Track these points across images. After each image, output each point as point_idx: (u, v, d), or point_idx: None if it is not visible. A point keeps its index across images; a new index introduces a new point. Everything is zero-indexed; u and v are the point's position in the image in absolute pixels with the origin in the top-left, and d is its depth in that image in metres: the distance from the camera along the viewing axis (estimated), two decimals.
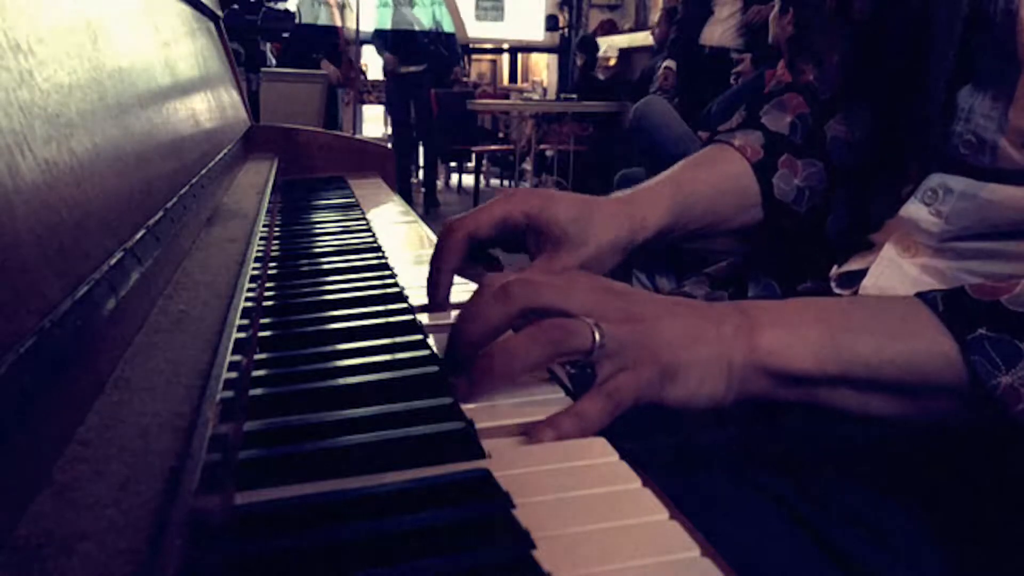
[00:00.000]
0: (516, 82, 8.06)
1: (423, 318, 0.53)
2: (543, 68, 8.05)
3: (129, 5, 0.61)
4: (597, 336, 0.39)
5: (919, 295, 0.42)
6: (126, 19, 0.58)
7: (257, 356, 0.44)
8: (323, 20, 5.25)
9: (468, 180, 6.56)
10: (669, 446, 0.53)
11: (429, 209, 5.34)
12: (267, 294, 0.57)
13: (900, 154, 0.61)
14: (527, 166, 5.66)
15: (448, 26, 5.39)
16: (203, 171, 0.70)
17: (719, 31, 4.26)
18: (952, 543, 0.44)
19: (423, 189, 5.65)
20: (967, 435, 0.44)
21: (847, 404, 0.42)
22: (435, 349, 0.45)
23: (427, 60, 5.23)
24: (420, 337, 0.48)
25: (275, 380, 0.41)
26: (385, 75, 5.38)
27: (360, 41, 5.59)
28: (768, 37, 3.38)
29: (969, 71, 0.54)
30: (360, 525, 0.28)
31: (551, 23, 7.26)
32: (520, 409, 0.39)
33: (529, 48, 8.04)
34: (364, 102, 6.07)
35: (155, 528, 0.23)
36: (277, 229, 0.84)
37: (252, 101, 1.77)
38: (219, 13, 1.25)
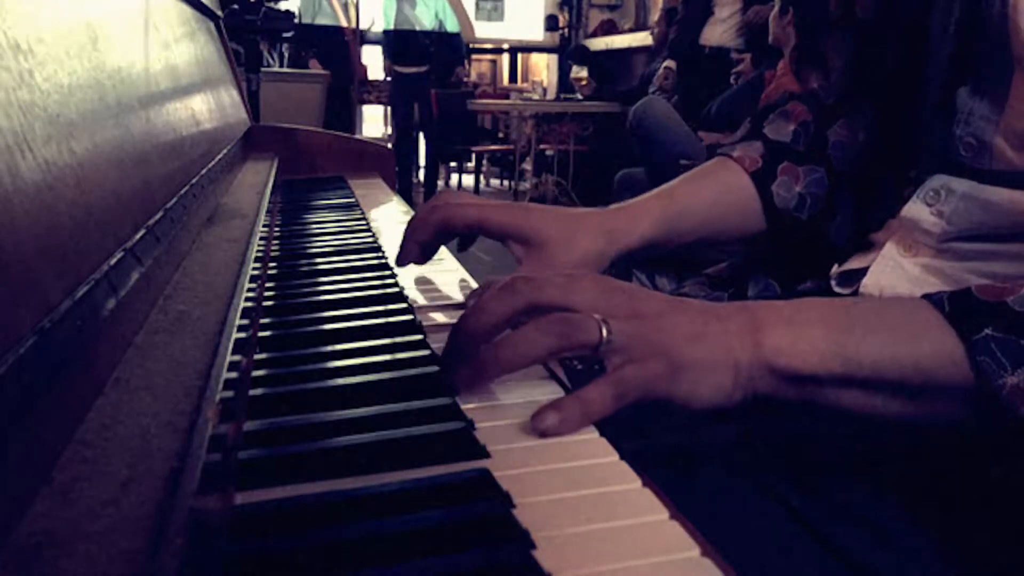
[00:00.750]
0: (516, 82, 8.06)
1: (433, 317, 0.53)
2: (543, 68, 8.05)
3: (129, 5, 0.61)
4: (604, 331, 0.38)
5: (925, 296, 0.42)
6: (126, 19, 0.58)
7: (257, 356, 0.44)
8: (322, 20, 5.25)
9: (468, 180, 6.56)
10: (669, 446, 0.53)
11: None
12: (267, 294, 0.57)
13: (901, 156, 0.61)
14: (527, 166, 5.66)
15: (451, 26, 5.39)
16: (203, 171, 0.70)
17: (719, 31, 4.26)
18: (953, 541, 0.44)
19: (423, 189, 5.65)
20: (968, 433, 0.44)
21: (852, 404, 0.42)
22: (435, 349, 0.45)
23: (429, 61, 5.23)
24: (420, 337, 0.48)
25: (275, 380, 0.41)
26: (386, 75, 5.38)
27: (361, 41, 5.59)
28: (768, 37, 3.38)
29: (965, 73, 0.54)
30: (360, 525, 0.28)
31: (551, 23, 7.26)
32: (520, 409, 0.39)
33: (529, 48, 8.04)
34: (364, 102, 6.06)
35: (155, 528, 0.23)
36: (277, 229, 0.84)
37: (252, 101, 1.77)
38: (219, 13, 1.25)
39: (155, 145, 0.55)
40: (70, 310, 0.29)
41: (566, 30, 7.20)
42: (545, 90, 6.94)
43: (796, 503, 0.48)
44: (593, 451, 0.36)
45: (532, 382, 0.42)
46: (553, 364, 0.44)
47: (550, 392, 0.41)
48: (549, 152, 5.39)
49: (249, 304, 0.46)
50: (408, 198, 5.31)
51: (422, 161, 5.93)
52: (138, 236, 0.42)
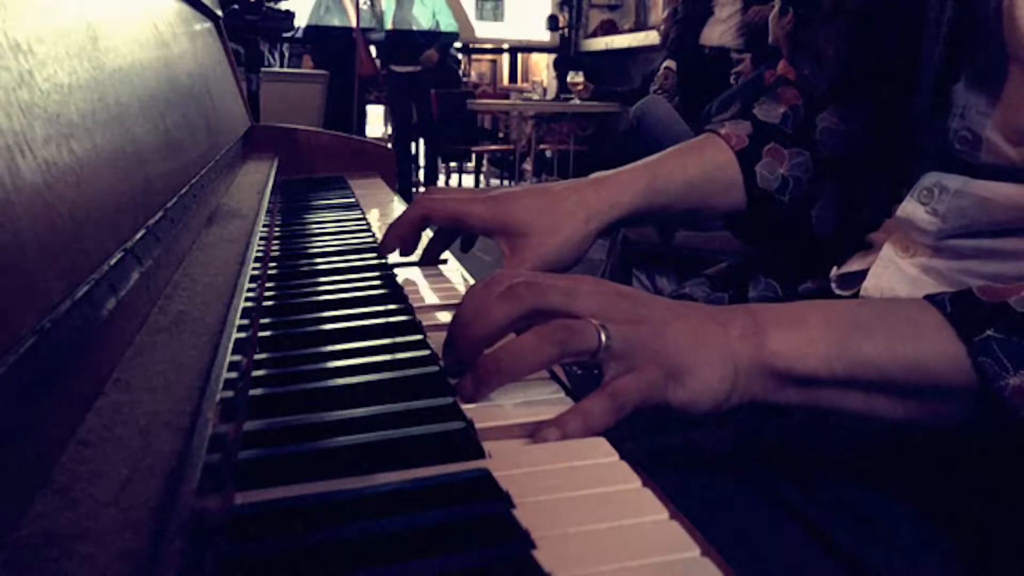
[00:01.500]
0: (516, 82, 8.06)
1: (433, 318, 0.53)
2: (543, 68, 8.05)
3: (129, 5, 0.61)
4: (603, 337, 0.38)
5: (927, 297, 0.42)
6: (126, 19, 0.58)
7: (257, 356, 0.44)
8: (331, 21, 5.24)
9: (468, 180, 6.56)
10: (669, 446, 0.53)
11: None
12: (267, 294, 0.57)
13: (895, 150, 0.61)
14: (527, 166, 5.66)
15: (445, 25, 5.38)
16: (203, 171, 0.70)
17: (719, 31, 4.26)
18: (954, 541, 0.44)
19: (423, 189, 5.65)
20: (969, 433, 0.44)
21: (854, 406, 0.42)
22: (435, 349, 0.45)
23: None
24: (420, 337, 0.48)
25: (275, 380, 0.41)
26: (386, 75, 5.38)
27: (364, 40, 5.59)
28: (768, 37, 3.38)
29: (959, 67, 0.54)
30: (360, 525, 0.28)
31: (552, 23, 7.25)
32: (520, 409, 0.39)
33: (529, 48, 8.04)
34: (367, 102, 6.06)
35: (155, 528, 0.23)
36: (277, 229, 0.84)
37: (252, 101, 1.77)
38: (219, 13, 1.25)
39: (155, 145, 0.55)
40: (70, 310, 0.29)
41: (566, 30, 7.20)
42: (545, 90, 6.94)
43: (796, 503, 0.48)
44: (593, 451, 0.36)
45: (532, 382, 0.42)
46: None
47: (550, 392, 0.41)
48: (549, 152, 5.39)
49: (249, 304, 0.46)
50: (408, 198, 5.31)
51: (421, 161, 5.92)
52: (138, 236, 0.42)
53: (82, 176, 0.36)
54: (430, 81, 5.31)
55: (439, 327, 0.51)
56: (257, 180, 0.93)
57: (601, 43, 6.67)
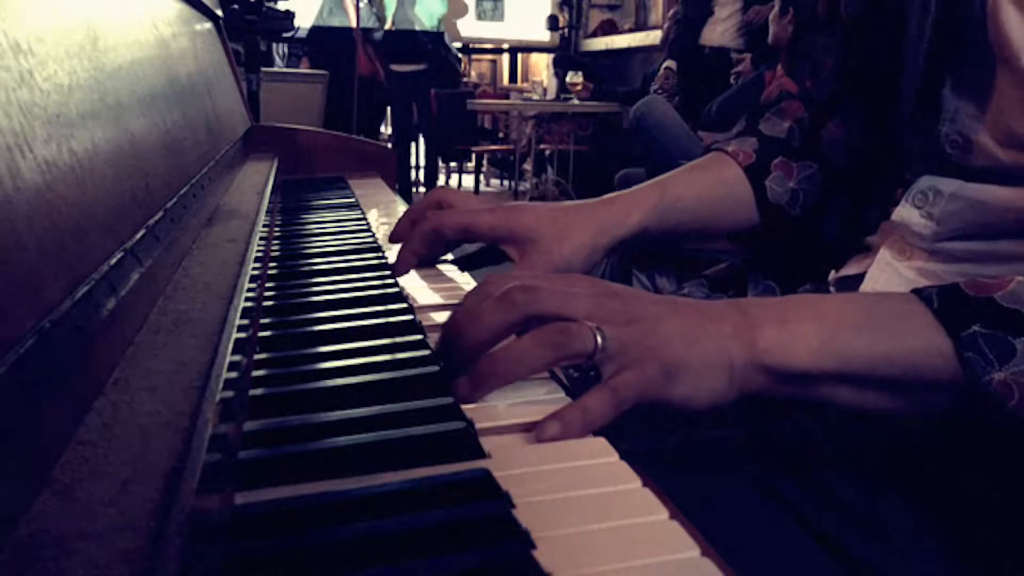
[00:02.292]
0: (516, 82, 8.05)
1: (433, 318, 0.53)
2: (543, 68, 8.05)
3: (129, 5, 0.61)
4: (599, 339, 0.39)
5: (915, 291, 0.42)
6: (126, 19, 0.58)
7: (257, 356, 0.44)
8: (332, 22, 5.23)
9: (468, 180, 6.56)
10: (669, 446, 0.53)
11: None
12: (267, 294, 0.57)
13: (890, 155, 0.62)
14: (527, 166, 5.66)
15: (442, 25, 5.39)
16: (203, 171, 0.70)
17: (719, 31, 4.26)
18: (953, 539, 0.44)
19: (423, 189, 5.65)
20: (967, 430, 0.44)
21: (844, 400, 0.42)
22: (435, 349, 0.45)
23: (426, 59, 5.23)
24: (420, 337, 0.48)
25: (275, 380, 0.41)
26: (386, 75, 5.37)
27: (364, 40, 5.58)
28: (768, 37, 3.39)
29: (945, 72, 0.55)
30: (360, 525, 0.28)
31: (552, 23, 7.25)
32: (520, 409, 0.39)
33: (529, 48, 8.04)
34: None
35: (155, 528, 0.23)
36: (277, 229, 0.84)
37: (252, 101, 1.77)
38: (219, 13, 1.25)
39: (155, 145, 0.55)
40: (70, 310, 0.29)
41: (566, 30, 7.20)
42: (545, 90, 6.93)
43: (796, 502, 0.48)
44: (593, 451, 0.36)
45: (532, 382, 0.42)
46: None
47: (549, 392, 0.41)
48: (549, 152, 5.39)
49: (249, 304, 0.46)
50: (408, 198, 5.32)
51: (421, 161, 5.92)
52: (138, 236, 0.42)
53: (82, 176, 0.36)
54: (430, 81, 5.31)
55: (439, 327, 0.51)
56: (257, 180, 0.93)
57: (601, 43, 6.67)
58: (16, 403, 0.23)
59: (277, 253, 0.73)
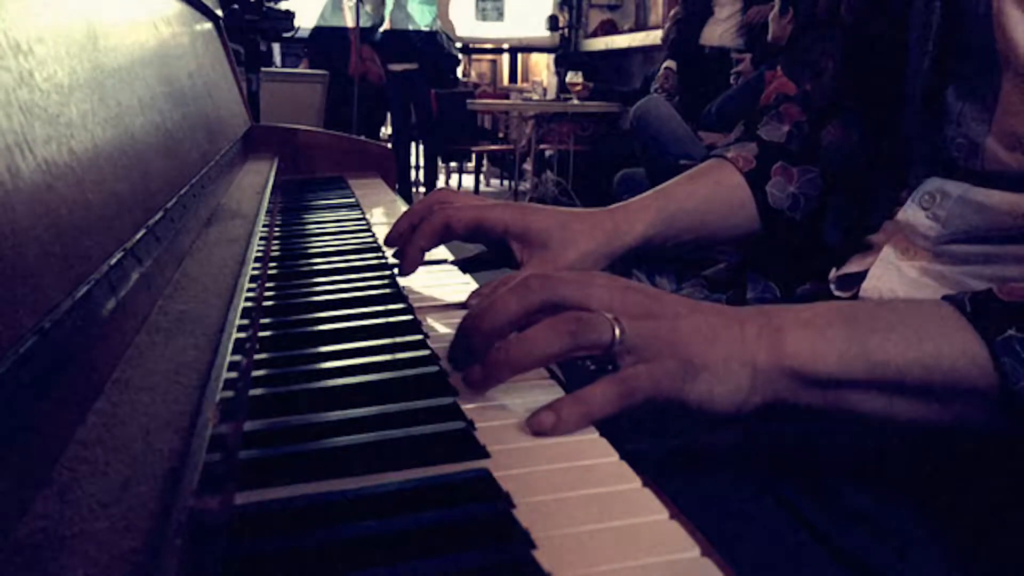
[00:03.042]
0: (516, 82, 8.05)
1: (433, 319, 0.53)
2: (543, 68, 8.04)
3: (129, 5, 0.61)
4: (617, 331, 0.38)
5: (946, 297, 0.41)
6: (126, 19, 0.58)
7: (257, 356, 0.44)
8: (335, 21, 5.23)
9: (468, 180, 6.56)
10: (670, 447, 0.53)
11: None
12: (267, 294, 0.57)
13: (893, 158, 0.61)
14: (527, 166, 5.65)
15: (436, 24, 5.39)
16: (203, 171, 0.70)
17: (719, 31, 4.26)
18: (955, 541, 0.44)
19: (423, 189, 5.65)
20: (991, 437, 0.43)
21: (873, 408, 0.41)
22: (435, 349, 0.45)
23: (419, 59, 5.23)
24: (420, 337, 0.48)
25: (275, 380, 0.41)
26: (385, 75, 5.37)
27: (363, 40, 5.58)
28: (768, 37, 3.38)
29: (948, 74, 0.54)
30: (360, 525, 0.28)
31: (552, 23, 7.25)
32: (520, 409, 0.39)
33: (529, 48, 8.04)
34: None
35: (155, 528, 0.23)
36: (277, 229, 0.84)
37: (252, 101, 1.77)
38: (219, 13, 1.25)
39: (155, 145, 0.55)
40: (70, 310, 0.29)
41: (566, 30, 7.19)
42: (545, 90, 6.92)
43: (796, 502, 0.48)
44: (593, 451, 0.36)
45: (533, 383, 0.42)
46: (554, 366, 0.44)
47: (551, 393, 0.41)
48: (549, 152, 5.39)
49: (249, 304, 0.45)
50: (408, 198, 5.31)
51: (421, 161, 5.92)
52: (138, 236, 0.42)
53: (82, 176, 0.36)
54: (427, 80, 5.31)
55: (439, 327, 0.51)
56: (257, 180, 0.93)
57: (601, 43, 6.66)
58: (16, 403, 0.23)
59: (277, 253, 0.73)
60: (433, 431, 0.35)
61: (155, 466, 0.26)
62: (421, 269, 0.64)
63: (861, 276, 0.61)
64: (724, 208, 0.70)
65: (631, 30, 6.47)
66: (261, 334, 0.48)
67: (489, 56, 8.41)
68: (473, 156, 5.88)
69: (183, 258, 0.52)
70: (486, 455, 0.34)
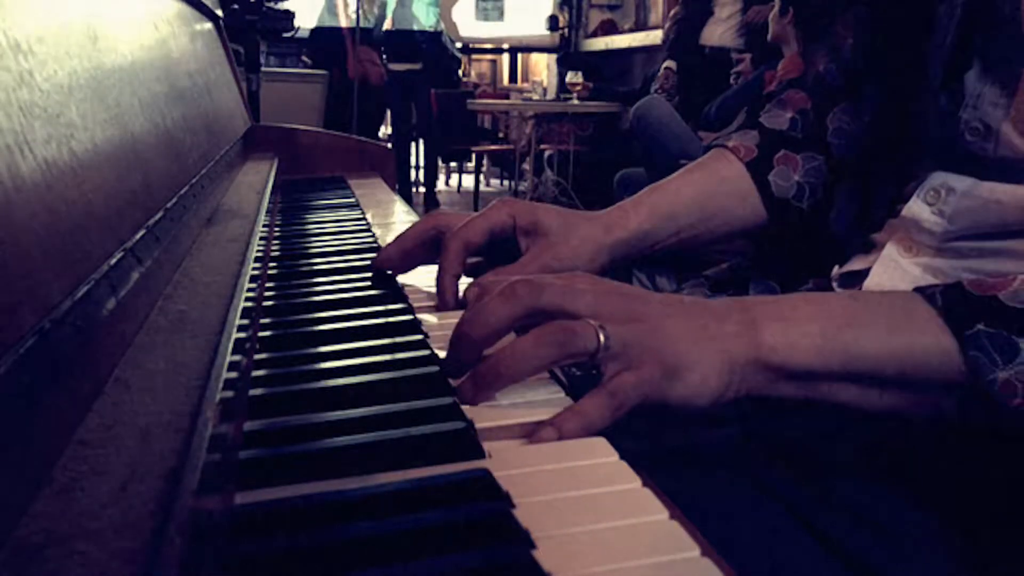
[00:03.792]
0: (516, 82, 8.05)
1: (432, 318, 0.54)
2: (543, 68, 8.04)
3: (129, 5, 0.61)
4: (602, 337, 0.39)
5: (918, 290, 0.42)
6: (126, 19, 0.58)
7: (257, 356, 0.44)
8: (333, 22, 5.23)
9: (468, 180, 6.56)
10: (669, 446, 0.53)
11: (429, 209, 5.33)
12: (267, 294, 0.57)
13: (904, 145, 0.61)
14: (527, 166, 5.65)
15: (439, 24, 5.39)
16: (203, 171, 0.70)
17: (719, 31, 4.26)
18: (955, 538, 0.44)
19: (423, 189, 5.65)
20: (969, 430, 0.44)
21: (847, 399, 0.42)
22: (435, 349, 0.45)
23: (423, 59, 5.23)
24: (420, 337, 0.48)
25: (275, 380, 0.41)
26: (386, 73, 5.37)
27: (361, 40, 5.58)
28: (768, 37, 3.38)
29: (971, 56, 0.54)
30: (360, 525, 0.28)
31: (552, 23, 7.25)
32: (520, 409, 0.39)
33: (529, 48, 8.04)
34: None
35: (155, 528, 0.23)
36: (277, 229, 0.84)
37: (252, 101, 1.77)
38: (219, 13, 1.25)
39: (155, 145, 0.55)
40: (70, 310, 0.29)
41: (566, 30, 7.19)
42: (545, 90, 6.92)
43: (796, 502, 0.48)
44: (593, 451, 0.36)
45: (532, 382, 0.42)
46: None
47: (550, 393, 0.41)
48: (549, 152, 5.38)
49: (249, 304, 0.45)
50: (408, 198, 5.31)
51: (421, 161, 5.92)
52: (138, 236, 0.42)
53: (82, 176, 0.36)
54: (426, 80, 5.31)
55: (439, 327, 0.51)
56: (257, 180, 0.92)
57: (601, 43, 6.66)
58: (16, 403, 0.23)
59: (277, 253, 0.73)
60: (433, 431, 0.35)
61: (155, 466, 0.26)
62: (421, 269, 0.64)
63: (864, 274, 0.61)
64: (726, 200, 0.69)
65: (631, 30, 6.47)
66: (261, 334, 0.48)
67: (489, 56, 8.41)
68: (473, 156, 5.87)
69: (183, 258, 0.52)
70: (486, 455, 0.34)
